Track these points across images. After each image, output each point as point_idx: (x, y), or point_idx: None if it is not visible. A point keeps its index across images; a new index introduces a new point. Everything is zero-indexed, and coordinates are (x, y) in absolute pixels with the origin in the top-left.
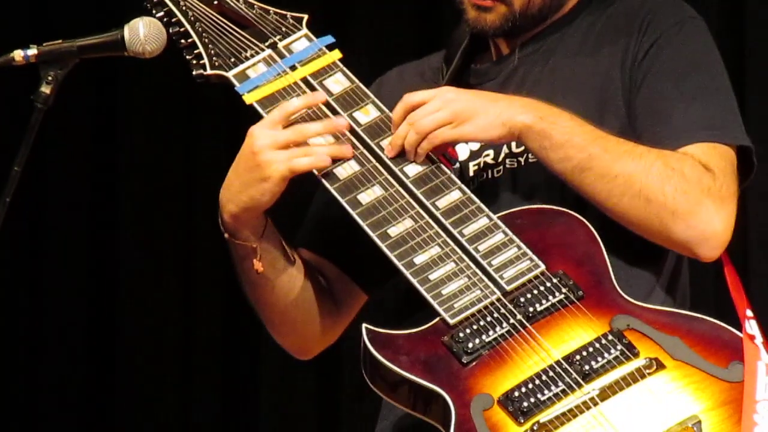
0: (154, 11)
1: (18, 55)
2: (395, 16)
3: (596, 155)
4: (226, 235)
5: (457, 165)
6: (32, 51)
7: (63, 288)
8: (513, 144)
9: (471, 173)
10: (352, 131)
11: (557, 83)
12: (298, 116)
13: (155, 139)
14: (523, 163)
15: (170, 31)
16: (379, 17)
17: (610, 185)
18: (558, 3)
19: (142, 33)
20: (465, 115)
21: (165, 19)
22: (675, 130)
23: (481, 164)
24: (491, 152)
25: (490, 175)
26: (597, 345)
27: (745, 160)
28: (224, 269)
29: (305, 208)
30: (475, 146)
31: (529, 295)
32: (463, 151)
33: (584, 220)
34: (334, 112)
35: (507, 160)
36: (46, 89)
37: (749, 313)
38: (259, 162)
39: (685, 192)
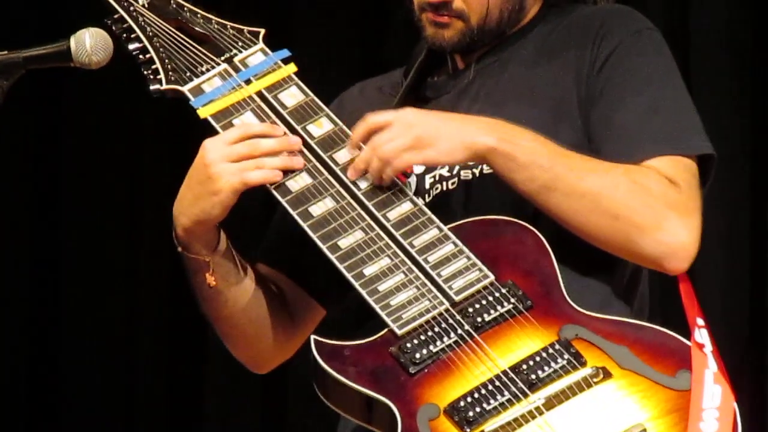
0: (113, 27)
1: None
2: (339, 30)
3: (561, 174)
4: (178, 249)
5: (413, 177)
6: None
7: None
8: None
9: (427, 185)
10: (306, 144)
11: (511, 94)
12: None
13: (99, 150)
14: (477, 175)
15: (129, 46)
16: (322, 32)
17: (576, 204)
18: (516, 17)
19: (89, 44)
20: (427, 140)
21: (124, 35)
22: (635, 143)
23: (437, 176)
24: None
25: (445, 187)
26: (544, 354)
27: (704, 166)
28: (168, 283)
29: (266, 220)
30: None
31: (477, 306)
32: (418, 165)
33: (535, 230)
34: (288, 126)
35: (462, 172)
36: None
37: (700, 321)
38: (211, 174)
39: (652, 207)
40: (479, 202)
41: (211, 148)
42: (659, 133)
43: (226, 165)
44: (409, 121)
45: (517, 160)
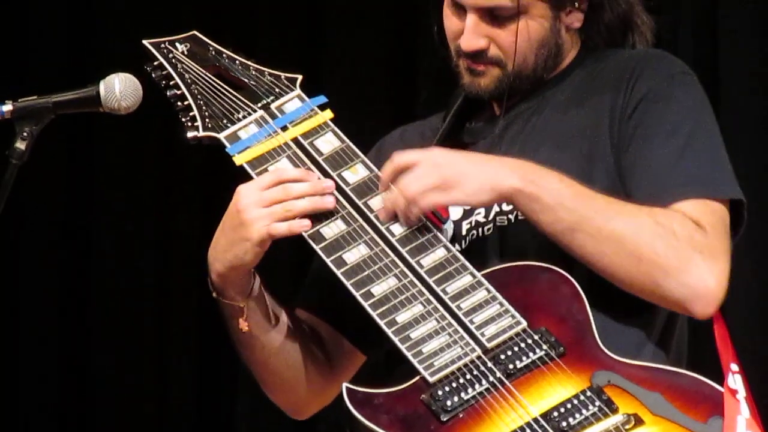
0: (153, 74)
1: None
2: (371, 76)
3: (587, 216)
4: (213, 294)
5: (450, 224)
6: (7, 107)
7: (36, 349)
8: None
9: (464, 231)
10: (341, 190)
11: (546, 139)
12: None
13: (131, 196)
14: (513, 220)
15: (167, 93)
16: (354, 73)
17: (601, 245)
18: (553, 62)
19: (118, 89)
20: (453, 181)
21: (163, 82)
22: (665, 186)
23: (473, 222)
24: (482, 210)
25: (480, 233)
26: (575, 401)
27: (737, 212)
28: (197, 333)
29: (304, 264)
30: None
31: (509, 352)
32: (456, 211)
33: (568, 275)
34: (324, 172)
35: (497, 218)
36: (21, 145)
37: (734, 367)
38: (244, 220)
39: (677, 249)
40: (515, 247)
41: (244, 194)
42: (687, 176)
43: (258, 211)
44: (436, 161)
45: (543, 201)
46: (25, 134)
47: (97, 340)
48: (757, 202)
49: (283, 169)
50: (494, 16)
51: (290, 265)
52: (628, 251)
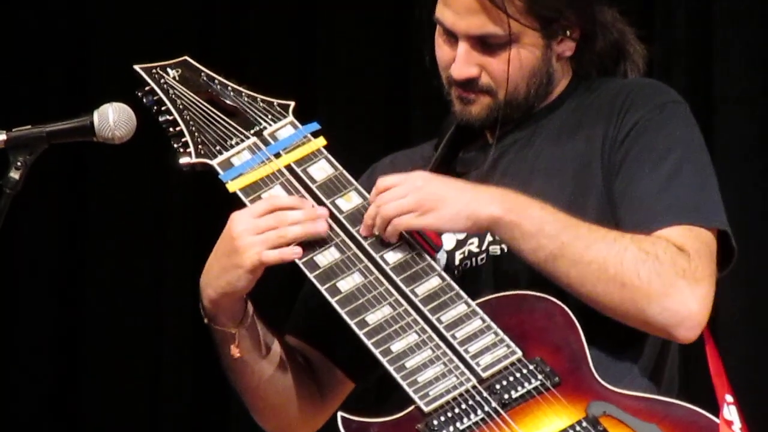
0: (144, 99)
1: None
2: (365, 103)
3: (568, 243)
4: (205, 320)
5: (443, 253)
6: (1, 137)
7: (29, 376)
8: None
9: (457, 261)
10: (334, 218)
11: (539, 169)
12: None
13: (125, 224)
14: (506, 250)
15: (159, 119)
16: (348, 98)
17: (584, 272)
18: (545, 91)
19: (112, 119)
20: (429, 205)
21: (155, 107)
22: (651, 213)
23: (466, 252)
24: (476, 240)
25: (474, 263)
26: None
27: (726, 244)
28: (192, 356)
29: (296, 291)
30: (461, 235)
31: (504, 382)
32: (449, 241)
33: (563, 305)
34: (317, 199)
35: (490, 248)
36: (15, 174)
37: (729, 398)
38: (237, 247)
39: (659, 274)
40: (508, 277)
41: (238, 221)
42: (673, 203)
43: (251, 238)
44: (416, 185)
45: (523, 228)
46: (18, 164)
47: (91, 361)
48: (755, 229)
49: (277, 196)
50: (485, 45)
51: (283, 290)
52: (610, 277)
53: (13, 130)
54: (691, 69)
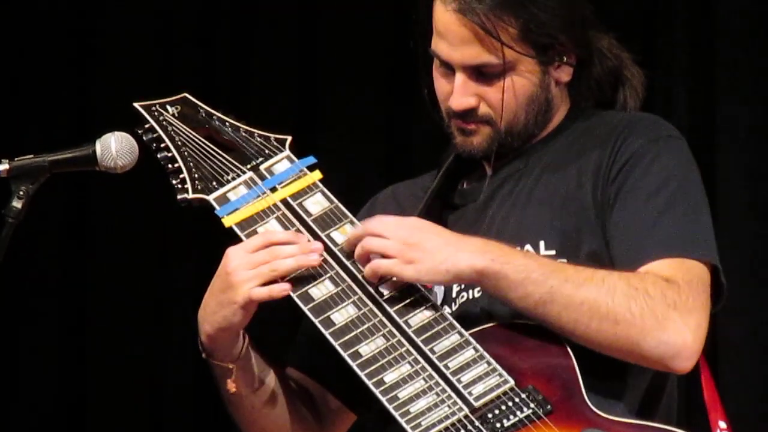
0: (144, 137)
1: None
2: (365, 135)
3: (557, 287)
4: (203, 355)
5: (441, 286)
6: (3, 166)
7: (32, 410)
8: None
9: (454, 293)
10: (329, 251)
11: (535, 201)
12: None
13: (126, 257)
14: None
15: (158, 155)
16: (348, 130)
17: (575, 313)
18: (543, 119)
19: (114, 148)
20: (411, 257)
21: (154, 144)
22: (642, 247)
23: (463, 285)
24: None
25: (471, 295)
26: None
27: (717, 280)
28: (193, 385)
29: (295, 322)
30: None
31: (497, 411)
32: None
33: (557, 334)
34: (312, 233)
35: None
36: (17, 204)
37: (722, 424)
38: (232, 282)
39: (651, 308)
40: (504, 308)
41: (233, 256)
42: (664, 237)
43: (245, 273)
44: (400, 235)
45: (509, 278)
46: (21, 193)
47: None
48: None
49: (272, 231)
50: (482, 74)
51: (279, 324)
52: (603, 315)
53: (16, 159)
54: (693, 96)
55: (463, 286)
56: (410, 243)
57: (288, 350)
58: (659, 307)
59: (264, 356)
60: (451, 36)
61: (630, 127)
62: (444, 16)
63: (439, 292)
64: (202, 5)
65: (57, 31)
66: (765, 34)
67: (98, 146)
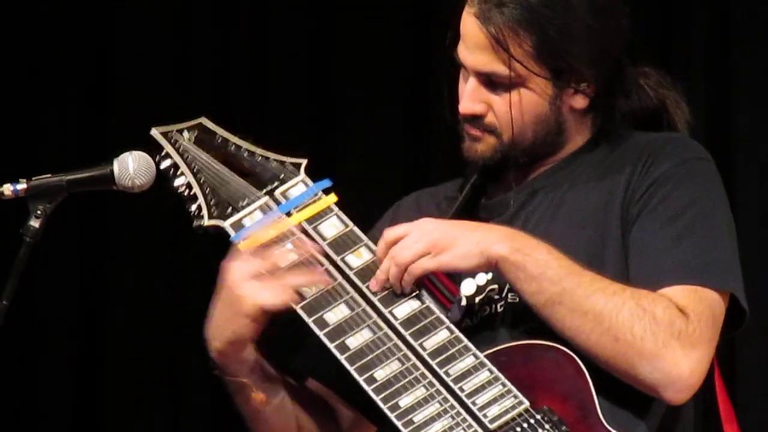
0: (161, 164)
1: (7, 189)
2: (382, 149)
3: (568, 290)
4: (216, 372)
5: (463, 299)
6: (21, 185)
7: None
8: None
9: (476, 308)
10: (344, 275)
11: (561, 216)
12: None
13: (144, 273)
14: None
15: (174, 182)
16: (366, 149)
17: (579, 321)
18: (554, 140)
19: (132, 167)
20: (443, 245)
21: (171, 171)
22: (658, 270)
23: (485, 299)
24: (496, 287)
25: (493, 310)
26: None
27: (738, 304)
28: (211, 405)
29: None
30: (482, 281)
31: None
32: (469, 287)
33: (573, 354)
34: (327, 257)
35: (509, 295)
36: (34, 223)
37: None
38: (237, 296)
39: (654, 333)
40: (525, 324)
41: (231, 269)
42: (681, 262)
43: (250, 284)
44: (425, 229)
45: (527, 270)
46: (38, 212)
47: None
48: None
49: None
50: (493, 84)
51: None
52: (604, 329)
53: (33, 178)
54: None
55: (486, 300)
56: (438, 235)
57: (303, 359)
58: (662, 334)
59: (277, 368)
60: (468, 39)
61: (659, 148)
62: (466, 19)
63: (461, 305)
64: (221, 31)
65: (73, 49)
66: None
67: (116, 166)
